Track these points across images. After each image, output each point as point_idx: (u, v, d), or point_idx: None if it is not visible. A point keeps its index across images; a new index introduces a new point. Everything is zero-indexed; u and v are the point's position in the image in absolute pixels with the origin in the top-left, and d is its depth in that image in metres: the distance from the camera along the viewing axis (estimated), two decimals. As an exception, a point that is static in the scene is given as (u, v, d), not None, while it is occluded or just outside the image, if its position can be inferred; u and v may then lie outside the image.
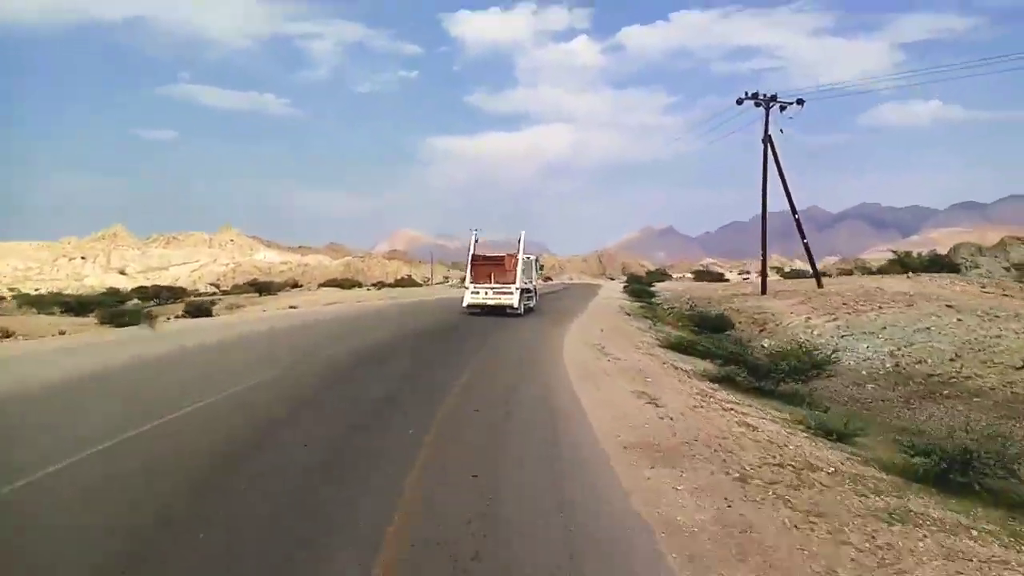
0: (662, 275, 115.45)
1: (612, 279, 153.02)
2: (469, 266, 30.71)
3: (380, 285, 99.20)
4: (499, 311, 28.93)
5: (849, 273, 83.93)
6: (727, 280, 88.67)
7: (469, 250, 31.22)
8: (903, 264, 46.94)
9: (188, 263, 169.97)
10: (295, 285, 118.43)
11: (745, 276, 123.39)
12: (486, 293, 29.55)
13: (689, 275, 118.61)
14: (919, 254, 58.31)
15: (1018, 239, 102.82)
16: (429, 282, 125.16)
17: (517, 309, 29.05)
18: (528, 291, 31.26)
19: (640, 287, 56.41)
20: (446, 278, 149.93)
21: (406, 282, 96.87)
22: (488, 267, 30.53)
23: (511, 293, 29.17)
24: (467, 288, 30.37)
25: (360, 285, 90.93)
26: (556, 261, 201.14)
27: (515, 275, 29.48)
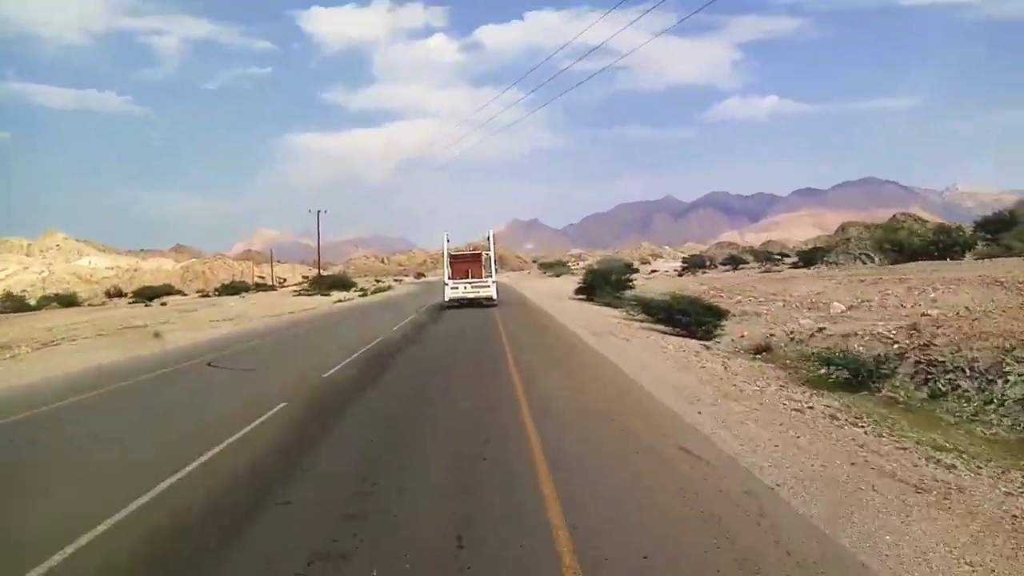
0: (560, 265, 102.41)
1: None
2: (447, 264, 34.04)
3: (219, 290, 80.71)
4: (477, 303, 31.86)
5: (773, 260, 73.19)
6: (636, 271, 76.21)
7: (444, 251, 34.94)
8: (898, 246, 35.30)
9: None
10: (117, 294, 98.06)
11: (650, 267, 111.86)
12: (465, 288, 32.46)
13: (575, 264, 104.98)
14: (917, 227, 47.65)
15: (912, 215, 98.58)
16: (283, 283, 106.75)
17: (494, 300, 32.05)
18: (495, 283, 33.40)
19: (644, 297, 27.52)
20: (305, 278, 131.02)
21: (245, 287, 78.68)
22: (466, 264, 34.74)
23: (488, 286, 32.38)
24: (446, 284, 32.76)
25: (168, 293, 71.38)
26: (426, 256, 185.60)
27: (490, 269, 33.55)
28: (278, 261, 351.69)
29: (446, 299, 32.22)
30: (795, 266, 59.90)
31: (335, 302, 46.70)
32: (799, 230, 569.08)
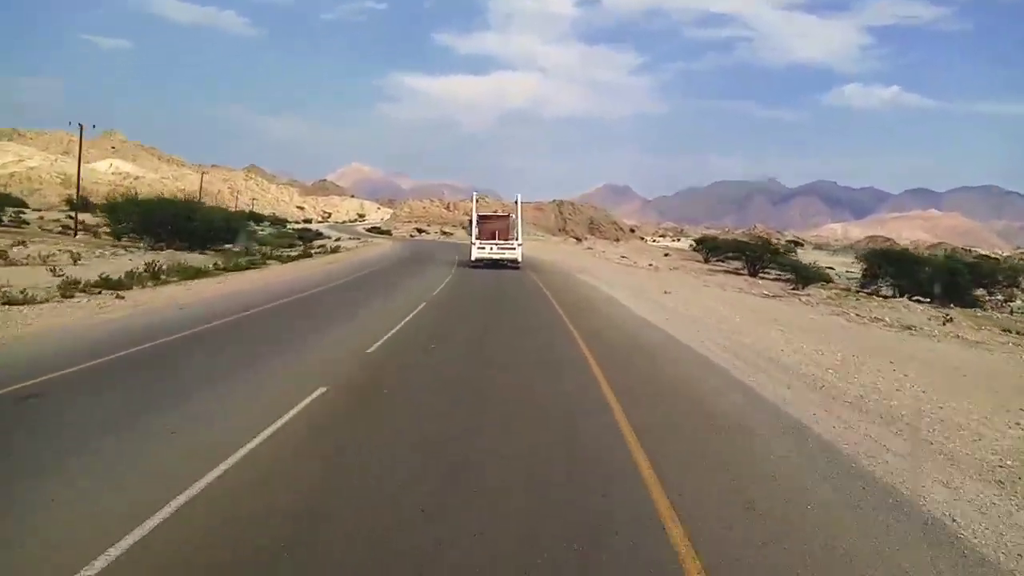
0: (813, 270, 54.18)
1: (577, 241, 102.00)
2: (475, 224, 34.15)
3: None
4: (501, 264, 32.26)
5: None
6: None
7: (472, 211, 36.16)
8: None
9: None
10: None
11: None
12: (491, 248, 32.82)
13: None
14: None
15: None
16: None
17: (518, 263, 32.48)
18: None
19: None
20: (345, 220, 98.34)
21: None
22: (493, 226, 35.82)
23: (514, 248, 32.90)
24: (473, 244, 32.80)
25: None
26: (501, 206, 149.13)
27: (516, 232, 34.27)
28: (351, 196, 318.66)
29: (472, 258, 32.31)
30: None
31: None
32: (908, 232, 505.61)
